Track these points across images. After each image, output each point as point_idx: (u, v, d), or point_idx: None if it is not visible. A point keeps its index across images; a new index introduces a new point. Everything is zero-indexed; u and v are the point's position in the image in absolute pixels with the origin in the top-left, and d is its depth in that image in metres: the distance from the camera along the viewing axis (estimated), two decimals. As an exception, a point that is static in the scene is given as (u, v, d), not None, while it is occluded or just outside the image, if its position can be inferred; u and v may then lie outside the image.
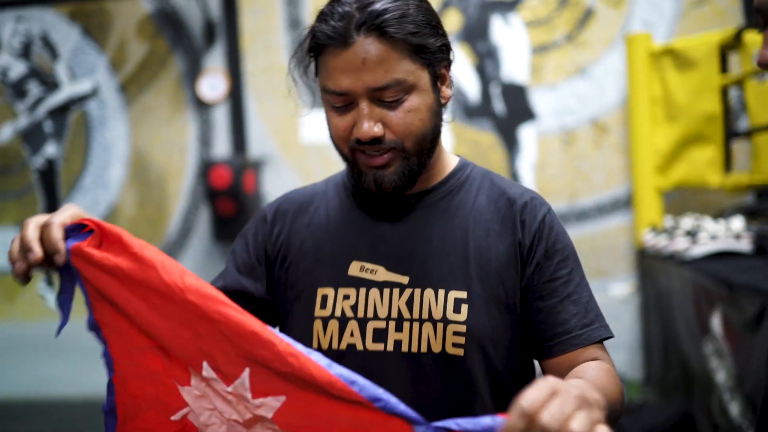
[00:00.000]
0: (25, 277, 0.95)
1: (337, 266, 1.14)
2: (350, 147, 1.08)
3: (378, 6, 1.02)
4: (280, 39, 4.56)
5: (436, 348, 1.07)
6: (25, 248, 0.93)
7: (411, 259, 1.11)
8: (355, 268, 1.13)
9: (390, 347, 1.09)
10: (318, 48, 1.06)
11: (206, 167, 4.33)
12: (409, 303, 1.09)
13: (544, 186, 4.26)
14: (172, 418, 0.98)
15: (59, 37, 4.83)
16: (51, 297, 4.78)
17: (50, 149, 4.85)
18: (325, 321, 1.11)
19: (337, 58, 1.03)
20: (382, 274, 1.11)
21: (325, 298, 1.12)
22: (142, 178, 4.76)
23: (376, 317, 1.10)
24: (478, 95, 4.36)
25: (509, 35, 4.34)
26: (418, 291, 1.09)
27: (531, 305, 1.11)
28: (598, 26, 4.24)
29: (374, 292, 1.11)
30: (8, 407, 4.58)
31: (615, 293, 4.15)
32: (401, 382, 1.06)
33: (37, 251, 0.92)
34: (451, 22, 4.35)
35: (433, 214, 1.15)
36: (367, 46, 1.01)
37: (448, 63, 1.11)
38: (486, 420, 0.73)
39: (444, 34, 1.10)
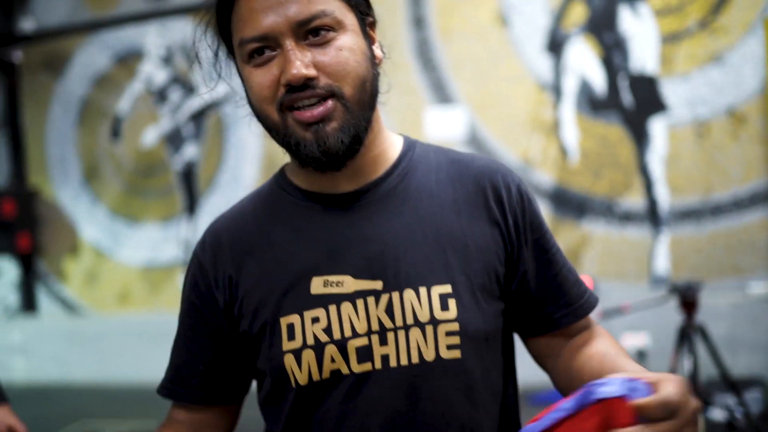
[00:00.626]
0: None
1: (295, 288, 0.96)
2: (278, 104, 0.91)
3: None
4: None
5: (429, 355, 0.94)
6: None
7: (379, 259, 0.95)
8: (317, 285, 0.96)
9: (378, 365, 0.94)
10: (229, 4, 0.93)
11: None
12: (389, 310, 0.94)
13: (676, 180, 4.11)
14: None
15: (201, 45, 5.13)
16: (191, 290, 5.10)
17: (189, 151, 5.17)
18: (297, 353, 0.94)
19: (254, 0, 0.90)
20: (349, 284, 0.95)
21: (291, 327, 0.95)
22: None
23: (355, 334, 0.94)
24: (605, 88, 4.27)
25: (637, 25, 4.22)
26: (396, 294, 0.94)
27: (528, 283, 1.01)
28: (735, 10, 4.05)
29: (346, 307, 0.95)
30: (151, 392, 4.93)
31: (754, 292, 3.94)
32: (398, 402, 0.93)
33: None
34: (576, 14, 4.28)
35: (392, 204, 0.98)
36: None
37: (373, 21, 0.98)
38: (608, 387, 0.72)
39: None
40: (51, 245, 5.53)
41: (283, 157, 1.00)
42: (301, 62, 0.87)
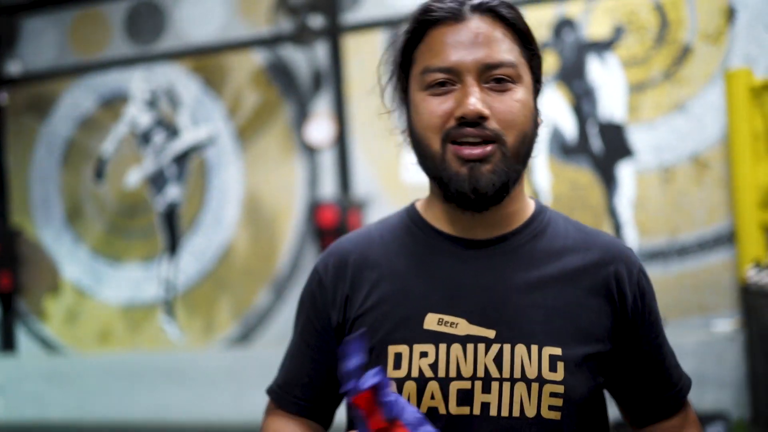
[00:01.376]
0: None
1: (410, 320, 0.99)
2: (444, 136, 0.97)
3: None
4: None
5: (530, 412, 0.95)
6: None
7: (497, 310, 0.98)
8: (431, 321, 0.98)
9: (477, 411, 0.95)
10: (423, 29, 0.99)
11: (314, 207, 4.61)
12: (498, 360, 0.96)
13: (644, 222, 4.29)
14: None
15: (182, 88, 5.26)
16: (171, 329, 5.13)
17: (172, 192, 5.26)
18: (401, 383, 0.95)
19: (448, 33, 0.97)
20: (463, 327, 0.97)
21: (398, 356, 0.97)
22: (254, 218, 5.09)
23: (459, 377, 0.95)
24: (576, 134, 4.46)
25: (606, 75, 4.43)
26: (507, 346, 0.96)
27: (638, 364, 1.05)
28: (697, 62, 4.27)
29: (456, 348, 0.97)
30: (133, 431, 4.94)
31: (719, 330, 4.09)
32: None
33: None
34: (548, 63, 4.48)
35: (517, 261, 1.02)
36: (482, 23, 0.97)
37: (540, 88, 1.07)
38: None
39: (541, 56, 1.06)
40: (32, 284, 5.56)
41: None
42: (477, 99, 0.94)
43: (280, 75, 5.06)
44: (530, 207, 1.09)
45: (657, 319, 1.07)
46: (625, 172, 4.37)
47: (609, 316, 1.02)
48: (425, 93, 0.98)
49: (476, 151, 0.95)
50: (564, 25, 4.48)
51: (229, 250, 5.12)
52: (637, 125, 4.36)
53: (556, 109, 4.49)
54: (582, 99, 4.46)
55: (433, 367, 0.95)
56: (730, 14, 4.19)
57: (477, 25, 0.96)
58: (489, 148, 0.95)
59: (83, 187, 5.48)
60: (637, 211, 4.33)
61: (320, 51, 4.91)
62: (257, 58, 5.10)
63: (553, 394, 0.95)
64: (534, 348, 0.96)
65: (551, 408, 0.95)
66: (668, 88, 4.31)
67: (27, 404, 5.35)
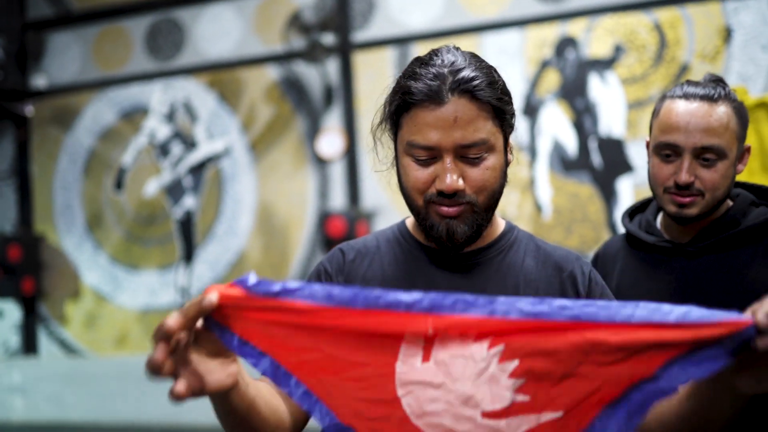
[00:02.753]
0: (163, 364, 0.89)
1: None
2: (426, 199, 1.13)
3: (469, 72, 1.09)
4: (391, 100, 4.99)
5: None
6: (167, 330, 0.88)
7: None
8: None
9: None
10: (407, 105, 1.11)
11: (324, 218, 4.78)
12: None
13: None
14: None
15: (199, 102, 5.48)
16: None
17: (188, 202, 5.46)
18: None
19: (429, 115, 1.08)
20: None
21: None
22: (267, 228, 5.27)
23: None
24: (576, 149, 4.60)
25: (606, 92, 4.57)
26: None
27: None
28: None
29: None
30: (148, 431, 5.13)
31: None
32: None
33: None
34: (550, 81, 4.64)
35: (487, 272, 1.18)
36: (460, 106, 1.07)
37: (512, 130, 1.19)
38: (723, 314, 0.81)
39: (514, 109, 1.18)
40: (53, 289, 5.78)
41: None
42: (453, 177, 1.08)
43: (293, 90, 5.25)
44: (500, 226, 1.25)
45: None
46: (624, 186, 4.50)
47: None
48: (409, 159, 1.14)
49: (452, 210, 1.11)
50: (566, 43, 4.64)
51: (242, 257, 5.30)
52: (636, 141, 4.50)
53: (557, 125, 4.64)
54: (583, 115, 4.61)
55: None
56: (727, 34, 4.32)
57: (455, 108, 1.08)
58: (462, 208, 1.12)
59: (104, 195, 5.70)
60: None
61: (331, 67, 5.10)
62: (271, 73, 5.30)
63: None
64: None
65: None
66: (666, 105, 4.44)
67: (47, 405, 5.56)
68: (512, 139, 1.20)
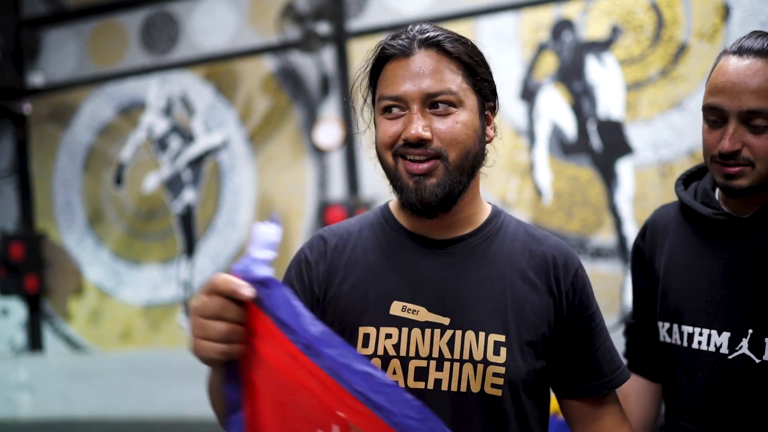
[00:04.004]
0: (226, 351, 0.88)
1: (378, 306, 1.14)
2: (394, 152, 1.13)
3: (438, 31, 1.14)
4: (388, 88, 4.96)
5: (475, 388, 1.09)
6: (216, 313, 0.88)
7: (452, 301, 1.12)
8: (396, 308, 1.13)
9: (431, 386, 1.09)
10: (380, 63, 1.16)
11: (323, 207, 4.76)
12: (450, 343, 1.10)
13: (643, 218, 4.36)
14: None
15: (196, 96, 5.46)
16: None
17: (188, 195, 5.46)
18: (367, 359, 1.05)
19: (398, 67, 1.12)
20: (423, 314, 1.12)
21: (367, 336, 1.12)
22: (267, 219, 5.25)
23: (417, 356, 1.09)
24: (575, 132, 4.56)
25: (604, 74, 4.53)
26: (459, 332, 1.10)
27: (568, 351, 1.17)
28: (693, 60, 4.36)
29: (416, 332, 1.11)
30: (152, 427, 5.14)
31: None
32: (443, 420, 1.03)
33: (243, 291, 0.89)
34: (547, 64, 4.60)
35: (472, 259, 1.17)
36: (426, 57, 1.11)
37: (494, 107, 1.21)
38: None
39: (492, 79, 1.19)
40: (56, 286, 5.79)
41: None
42: (419, 125, 1.08)
43: (289, 81, 5.23)
44: (486, 211, 1.23)
45: (592, 314, 1.21)
46: (624, 168, 4.47)
47: (549, 307, 1.16)
48: (382, 117, 1.15)
49: (421, 166, 1.10)
50: (562, 26, 4.59)
51: (243, 250, 5.29)
52: (636, 123, 4.46)
53: (555, 109, 4.60)
54: (581, 98, 4.57)
55: (396, 347, 1.10)
56: (725, 12, 4.27)
57: (422, 59, 1.11)
58: (431, 163, 1.10)
59: (104, 191, 5.70)
60: (636, 207, 4.43)
61: (327, 57, 5.07)
62: (267, 64, 5.28)
63: (495, 374, 1.09)
64: (482, 335, 1.11)
65: (493, 386, 1.10)
66: (665, 85, 4.41)
67: (54, 401, 5.59)
68: (498, 119, 1.21)
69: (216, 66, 5.39)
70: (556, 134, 4.61)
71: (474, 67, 1.15)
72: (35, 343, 5.78)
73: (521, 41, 4.66)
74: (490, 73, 1.19)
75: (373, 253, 1.19)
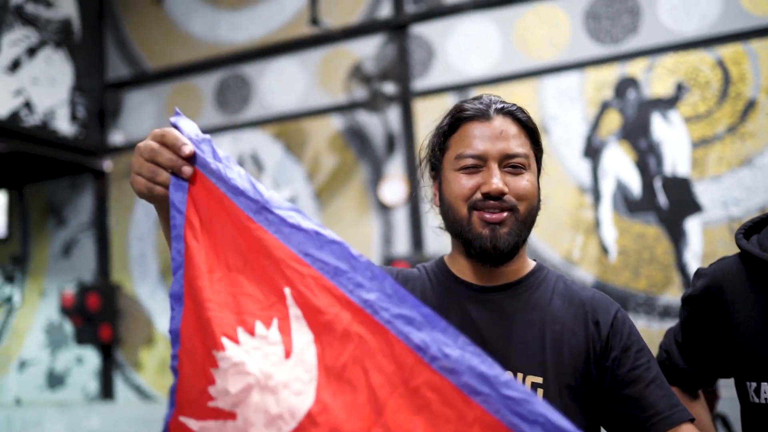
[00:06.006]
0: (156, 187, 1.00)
1: None
2: (470, 205, 1.21)
3: (509, 104, 1.26)
4: (452, 146, 5.05)
5: None
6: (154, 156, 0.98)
7: (493, 343, 1.19)
8: None
9: None
10: (457, 123, 1.25)
11: (388, 263, 4.83)
12: None
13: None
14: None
15: (265, 153, 5.66)
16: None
17: (256, 249, 5.60)
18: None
19: (477, 129, 1.22)
20: None
21: None
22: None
23: None
24: (641, 190, 4.54)
25: (669, 131, 4.52)
26: None
27: (617, 394, 1.19)
28: (762, 117, 4.31)
29: None
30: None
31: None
32: None
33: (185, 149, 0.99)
34: (611, 122, 4.61)
35: (515, 306, 1.24)
36: (505, 122, 1.22)
37: (541, 171, 1.31)
38: None
39: (542, 147, 1.30)
40: (129, 336, 5.99)
41: None
42: (499, 180, 1.19)
43: (356, 139, 5.38)
44: (530, 265, 1.32)
45: (637, 352, 1.22)
46: (692, 226, 4.40)
47: (588, 354, 1.21)
48: (458, 172, 1.24)
49: (497, 216, 1.20)
50: (626, 84, 4.62)
51: (308, 304, 5.37)
52: (703, 180, 4.41)
53: (620, 166, 4.59)
54: (646, 155, 4.56)
55: None
56: (794, 69, 4.23)
57: (500, 123, 1.22)
58: (506, 214, 1.20)
59: (176, 245, 5.90)
60: (705, 265, 4.33)
61: (393, 116, 5.21)
62: (334, 123, 5.45)
63: None
64: (519, 375, 1.16)
65: None
66: (733, 142, 4.36)
67: (123, 449, 5.71)
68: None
69: (285, 125, 5.60)
70: (622, 191, 4.59)
71: (537, 137, 1.27)
72: (107, 391, 5.96)
73: (585, 99, 4.71)
74: (542, 146, 1.31)
75: (429, 292, 1.29)
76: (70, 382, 6.10)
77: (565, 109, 4.73)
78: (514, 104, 1.27)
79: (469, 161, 1.22)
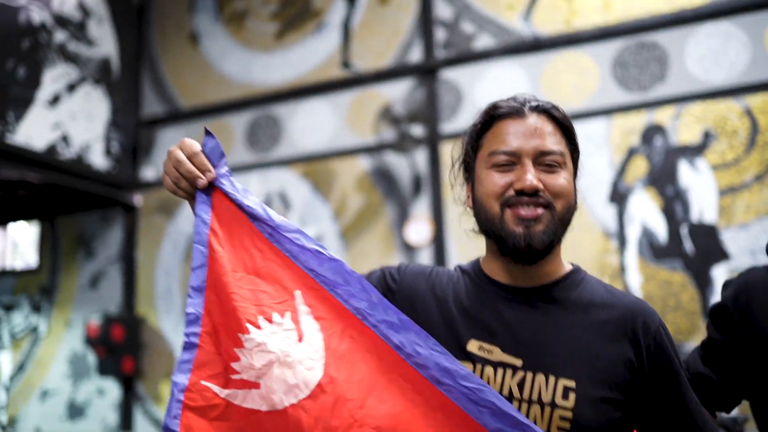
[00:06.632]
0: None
1: (457, 340, 1.20)
2: (503, 203, 1.19)
3: (545, 101, 1.26)
4: (478, 188, 5.09)
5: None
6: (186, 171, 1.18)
7: (526, 344, 1.17)
8: (473, 346, 1.18)
9: None
10: (491, 121, 1.25)
11: (411, 303, 4.83)
12: (521, 384, 1.14)
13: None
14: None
15: (293, 192, 5.74)
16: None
17: (281, 286, 5.64)
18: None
19: (511, 126, 1.22)
20: (497, 354, 1.16)
21: None
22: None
23: None
24: (666, 236, 4.53)
25: (696, 178, 4.52)
26: (530, 374, 1.14)
27: (658, 408, 1.16)
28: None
29: (489, 370, 1.15)
30: None
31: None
32: None
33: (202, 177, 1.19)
34: (638, 168, 4.64)
35: (550, 307, 1.22)
36: (539, 120, 1.22)
37: (579, 171, 1.31)
38: None
39: (579, 147, 1.29)
40: (150, 369, 6.01)
41: None
42: (533, 176, 1.18)
43: (383, 180, 5.45)
44: (566, 267, 1.30)
45: (677, 371, 1.20)
46: (719, 274, 4.37)
47: (626, 365, 1.17)
48: (490, 170, 1.23)
49: (532, 212, 1.18)
50: (653, 131, 4.65)
51: (330, 342, 5.37)
52: (731, 228, 4.39)
53: (646, 212, 4.60)
54: (673, 202, 4.56)
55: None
56: (823, 120, 4.24)
57: (534, 120, 1.22)
58: (541, 211, 1.18)
59: (202, 280, 5.95)
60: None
61: (420, 158, 5.28)
62: (362, 164, 5.53)
63: (562, 418, 1.12)
64: (552, 378, 1.14)
65: (559, 429, 1.11)
66: (761, 190, 4.35)
67: (139, 484, 5.68)
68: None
69: (314, 164, 5.69)
70: (647, 237, 4.58)
71: (573, 136, 1.28)
72: (126, 423, 5.95)
73: (612, 145, 4.74)
74: (578, 146, 1.32)
75: (461, 293, 1.28)
76: (91, 414, 6.12)
77: (591, 155, 4.77)
78: (550, 102, 1.28)
79: (503, 158, 1.21)
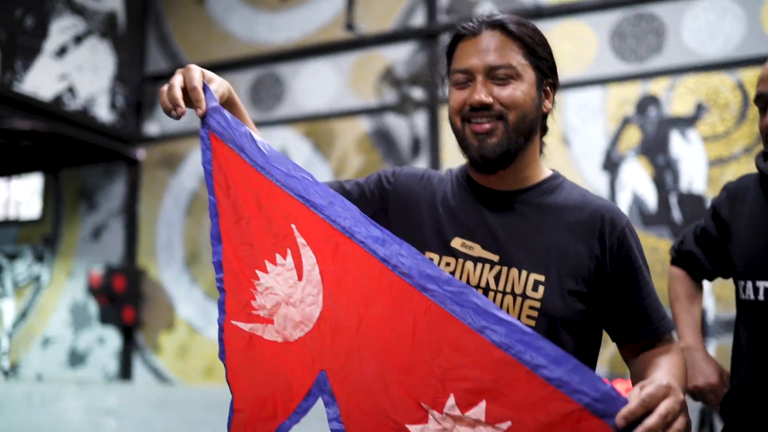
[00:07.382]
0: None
1: (443, 237, 1.31)
2: (462, 117, 1.26)
3: (503, 15, 1.30)
4: (475, 153, 5.22)
5: (513, 317, 1.16)
6: (173, 100, 1.19)
7: (503, 242, 1.27)
8: (457, 243, 1.29)
9: None
10: (453, 44, 1.31)
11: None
12: (497, 277, 1.25)
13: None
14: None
15: (294, 150, 5.85)
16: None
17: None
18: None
19: (466, 45, 1.27)
20: (477, 250, 1.28)
21: (430, 260, 1.21)
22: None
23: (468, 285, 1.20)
24: (656, 204, 4.67)
25: (687, 149, 4.65)
26: (505, 269, 1.25)
27: (616, 300, 1.26)
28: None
29: (469, 264, 1.26)
30: None
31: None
32: None
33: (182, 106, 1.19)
34: (631, 137, 4.76)
35: (527, 210, 1.31)
36: (491, 36, 1.26)
37: (554, 84, 1.33)
38: (604, 385, 0.92)
39: (551, 58, 1.32)
40: (150, 320, 6.17)
41: None
42: (481, 92, 1.23)
43: (383, 141, 5.56)
44: (544, 174, 1.37)
45: (637, 269, 1.29)
46: (704, 241, 4.52)
47: (592, 260, 1.26)
48: (453, 88, 1.29)
49: (484, 126, 1.25)
50: (648, 101, 4.77)
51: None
52: (718, 198, 4.53)
53: (637, 181, 4.73)
54: (663, 171, 4.69)
55: (452, 274, 1.21)
56: (812, 95, 4.36)
57: (487, 38, 1.27)
58: (493, 124, 1.25)
59: (202, 235, 6.10)
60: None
61: (420, 120, 5.39)
62: (363, 125, 5.64)
63: (531, 308, 1.23)
64: (524, 273, 1.25)
65: (528, 317, 1.23)
66: (749, 162, 4.48)
67: (138, 429, 5.87)
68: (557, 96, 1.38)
69: (316, 124, 5.79)
70: (638, 205, 4.72)
71: (533, 47, 1.30)
72: (126, 372, 6.13)
73: (607, 114, 4.86)
74: (549, 53, 1.33)
75: (450, 194, 1.37)
76: (91, 361, 6.29)
77: (586, 123, 4.88)
78: (513, 17, 1.34)
79: (460, 77, 1.27)
